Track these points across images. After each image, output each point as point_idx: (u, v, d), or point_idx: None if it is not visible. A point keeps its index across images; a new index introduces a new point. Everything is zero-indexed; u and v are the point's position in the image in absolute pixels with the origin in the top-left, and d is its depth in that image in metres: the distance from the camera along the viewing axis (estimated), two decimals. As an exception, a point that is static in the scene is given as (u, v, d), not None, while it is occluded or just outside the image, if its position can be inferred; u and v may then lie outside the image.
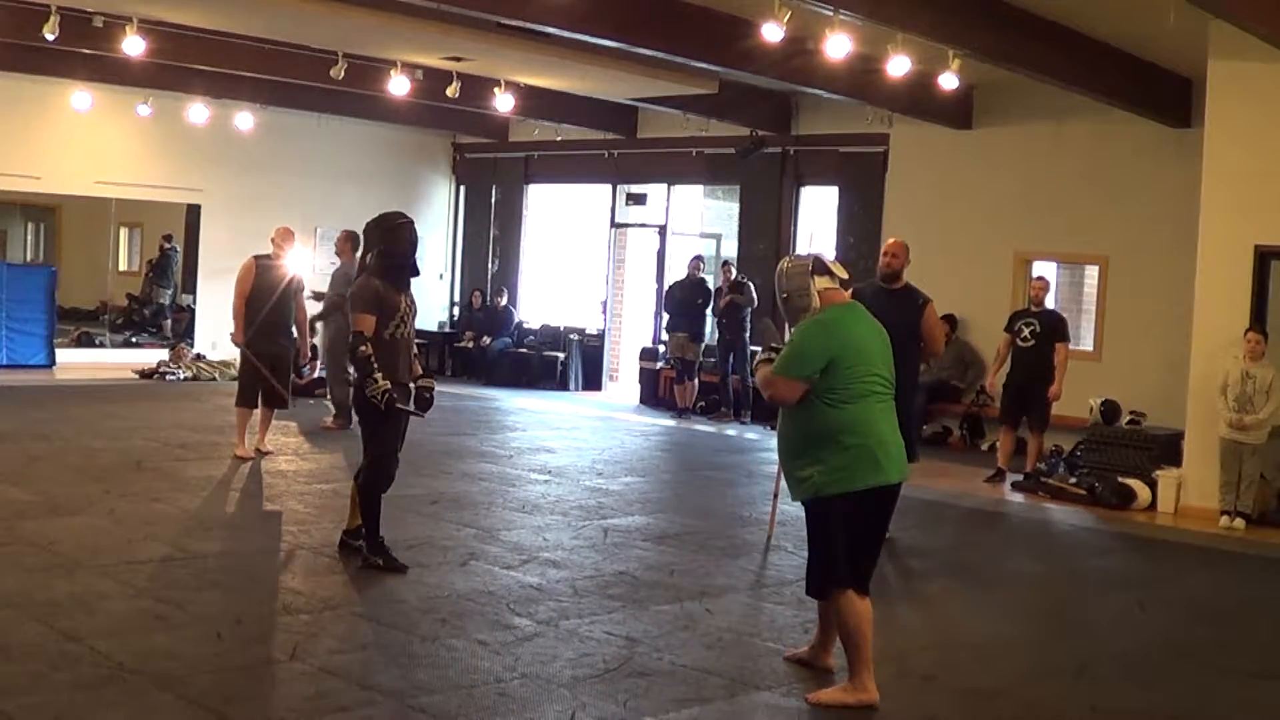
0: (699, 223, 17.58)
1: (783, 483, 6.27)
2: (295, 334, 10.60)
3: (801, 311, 5.23)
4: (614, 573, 7.07)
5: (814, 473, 5.08)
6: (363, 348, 6.68)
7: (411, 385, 6.98)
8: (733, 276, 14.76)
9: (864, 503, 5.08)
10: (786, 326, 5.47)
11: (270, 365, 10.12)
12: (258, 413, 10.29)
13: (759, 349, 14.21)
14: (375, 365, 6.64)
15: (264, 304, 10.12)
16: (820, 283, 5.22)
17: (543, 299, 18.71)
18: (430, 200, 19.32)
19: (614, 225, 17.68)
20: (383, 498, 6.95)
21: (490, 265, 18.83)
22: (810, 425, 5.09)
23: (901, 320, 8.42)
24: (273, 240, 10.52)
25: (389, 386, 6.66)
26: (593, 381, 17.28)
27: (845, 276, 5.33)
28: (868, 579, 5.20)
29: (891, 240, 8.80)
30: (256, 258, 10.34)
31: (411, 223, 7.01)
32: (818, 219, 15.63)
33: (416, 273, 7.10)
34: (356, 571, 6.77)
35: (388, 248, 6.86)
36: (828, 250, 14.69)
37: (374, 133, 18.00)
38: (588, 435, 12.82)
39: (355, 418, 7.05)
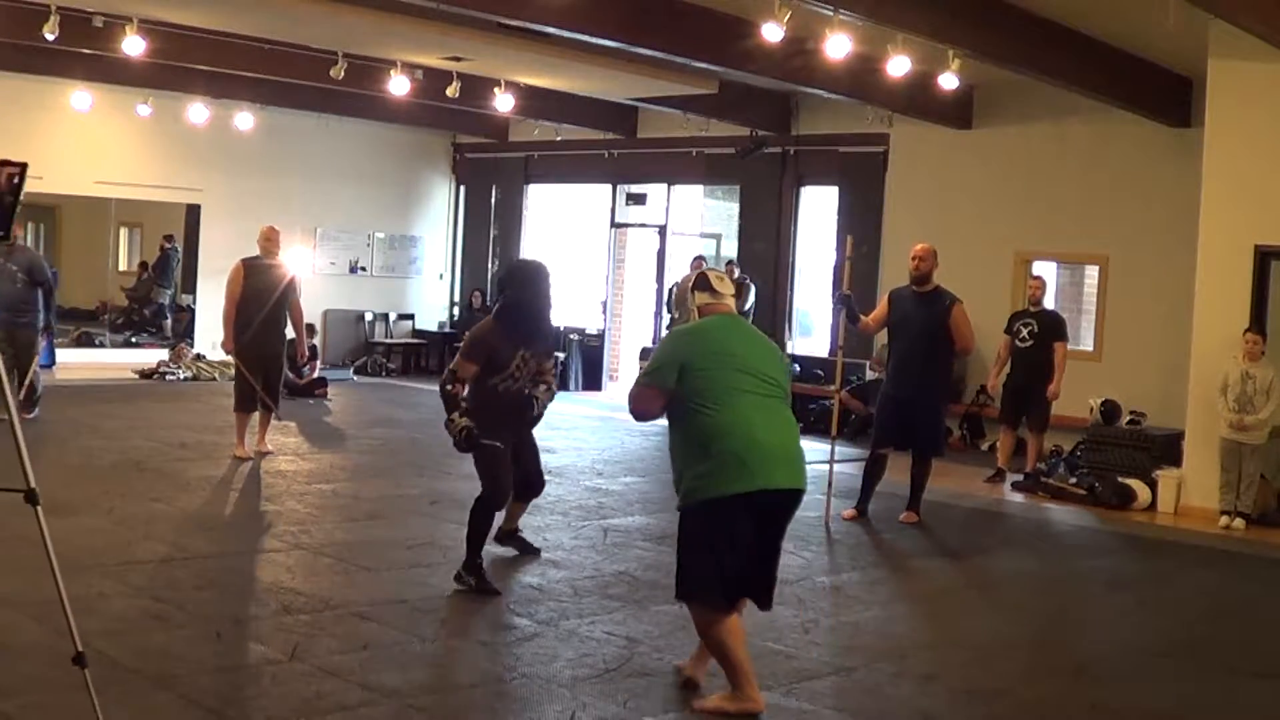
0: (699, 223, 17.60)
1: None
2: (293, 334, 10.54)
3: None
4: (614, 573, 7.07)
5: (684, 480, 4.97)
6: (450, 387, 6.49)
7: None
8: (734, 276, 14.77)
9: (732, 511, 4.83)
10: None
11: (263, 367, 10.04)
12: (257, 413, 10.27)
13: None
14: (459, 407, 6.44)
15: (257, 306, 9.96)
16: (699, 298, 5.21)
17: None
18: (430, 200, 19.33)
19: (614, 225, 17.68)
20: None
21: (490, 265, 18.81)
22: (685, 434, 4.96)
23: (931, 321, 8.79)
24: (260, 242, 10.28)
25: (467, 424, 6.41)
26: (593, 381, 17.28)
27: (725, 291, 5.23)
28: (739, 593, 4.97)
29: (920, 245, 9.23)
30: (245, 261, 10.17)
31: (539, 276, 6.71)
32: (818, 219, 15.63)
33: (533, 326, 6.67)
34: (357, 572, 6.77)
35: (514, 295, 6.62)
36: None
37: (374, 133, 18.00)
38: (588, 435, 12.82)
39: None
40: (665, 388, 4.96)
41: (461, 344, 6.75)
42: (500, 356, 6.54)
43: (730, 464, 4.81)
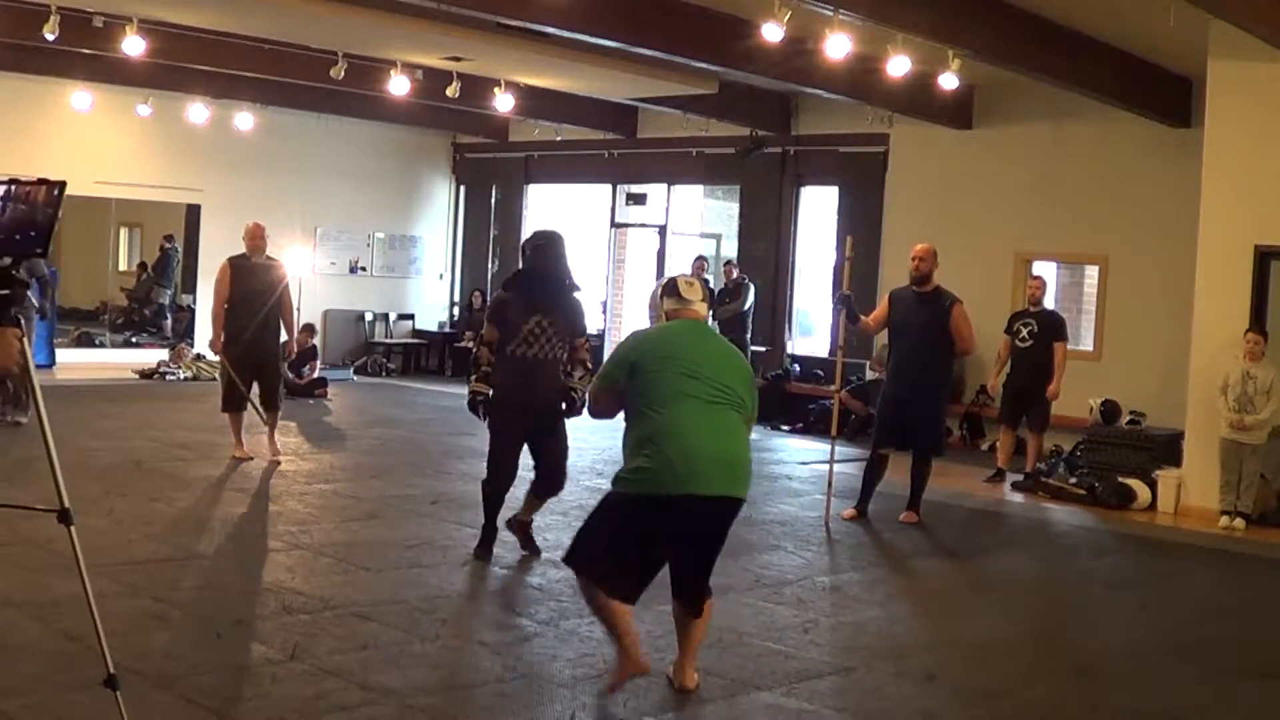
0: (699, 223, 17.60)
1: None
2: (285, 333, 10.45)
3: None
4: (614, 573, 7.06)
5: (623, 469, 5.04)
6: (476, 350, 7.03)
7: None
8: (733, 276, 14.78)
9: (654, 511, 4.88)
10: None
11: (258, 370, 9.95)
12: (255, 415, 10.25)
13: (756, 348, 14.35)
14: (479, 370, 6.92)
15: (255, 305, 9.82)
16: (666, 304, 5.30)
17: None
18: (430, 200, 19.33)
19: (614, 225, 17.69)
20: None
21: (490, 265, 18.82)
22: (631, 431, 5.05)
23: (931, 321, 8.82)
24: (246, 240, 10.06)
25: (480, 391, 6.89)
26: (593, 381, 17.25)
27: (693, 298, 5.28)
28: (631, 588, 4.98)
29: (920, 245, 9.27)
30: (232, 260, 9.99)
31: (548, 241, 7.03)
32: (818, 219, 15.63)
33: (547, 290, 6.95)
34: (357, 572, 6.77)
35: (528, 262, 7.02)
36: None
37: (374, 133, 18.01)
38: (588, 435, 12.78)
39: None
40: (617, 386, 5.08)
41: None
42: (512, 320, 6.83)
43: (665, 466, 4.86)
